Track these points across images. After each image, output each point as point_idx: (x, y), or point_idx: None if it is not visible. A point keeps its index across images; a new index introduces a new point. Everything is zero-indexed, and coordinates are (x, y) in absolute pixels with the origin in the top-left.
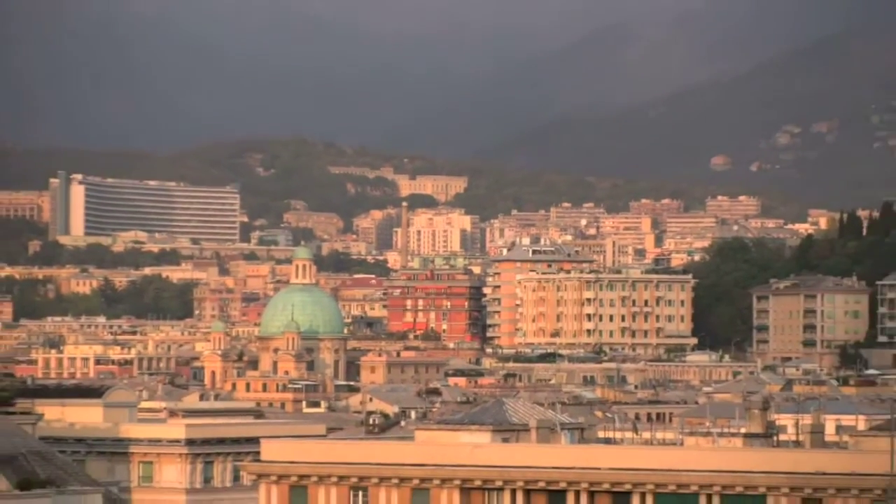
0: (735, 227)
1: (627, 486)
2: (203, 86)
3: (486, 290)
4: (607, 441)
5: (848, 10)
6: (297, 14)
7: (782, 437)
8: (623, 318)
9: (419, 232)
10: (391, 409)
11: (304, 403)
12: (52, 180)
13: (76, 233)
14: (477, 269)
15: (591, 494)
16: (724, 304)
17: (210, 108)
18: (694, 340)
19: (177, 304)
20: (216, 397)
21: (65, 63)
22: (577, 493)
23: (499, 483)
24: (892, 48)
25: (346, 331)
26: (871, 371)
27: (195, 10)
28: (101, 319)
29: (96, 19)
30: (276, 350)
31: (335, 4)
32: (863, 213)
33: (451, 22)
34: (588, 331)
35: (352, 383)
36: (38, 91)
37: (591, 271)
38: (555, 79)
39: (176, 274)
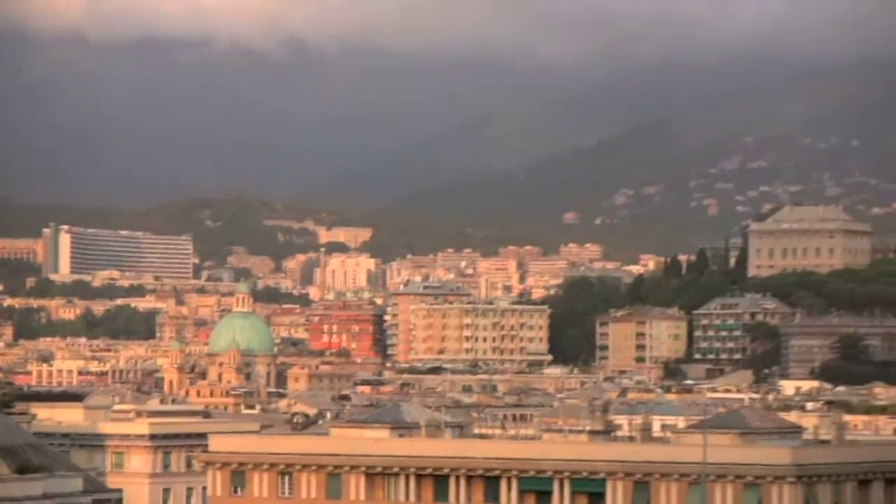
0: (582, 269)
1: (497, 472)
2: (164, 156)
3: (387, 317)
4: (481, 436)
5: (672, 100)
6: (242, 101)
7: (619, 433)
8: (494, 340)
9: (334, 271)
10: (311, 411)
11: (242, 406)
12: (44, 230)
13: (64, 271)
14: (380, 301)
15: (469, 479)
16: (573, 328)
17: (169, 174)
18: (550, 357)
19: (143, 327)
20: (173, 401)
21: (57, 139)
22: (458, 478)
23: (396, 470)
24: (705, 130)
25: (276, 349)
26: (688, 381)
27: (160, 101)
28: (83, 340)
29: (79, 108)
30: (221, 364)
31: (270, 90)
32: (682, 258)
33: (359, 102)
34: (466, 349)
35: (280, 390)
36: (34, 160)
37: (468, 303)
38: (442, 150)
39: (142, 304)
